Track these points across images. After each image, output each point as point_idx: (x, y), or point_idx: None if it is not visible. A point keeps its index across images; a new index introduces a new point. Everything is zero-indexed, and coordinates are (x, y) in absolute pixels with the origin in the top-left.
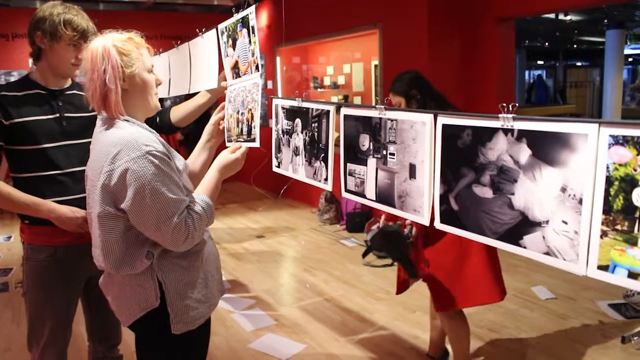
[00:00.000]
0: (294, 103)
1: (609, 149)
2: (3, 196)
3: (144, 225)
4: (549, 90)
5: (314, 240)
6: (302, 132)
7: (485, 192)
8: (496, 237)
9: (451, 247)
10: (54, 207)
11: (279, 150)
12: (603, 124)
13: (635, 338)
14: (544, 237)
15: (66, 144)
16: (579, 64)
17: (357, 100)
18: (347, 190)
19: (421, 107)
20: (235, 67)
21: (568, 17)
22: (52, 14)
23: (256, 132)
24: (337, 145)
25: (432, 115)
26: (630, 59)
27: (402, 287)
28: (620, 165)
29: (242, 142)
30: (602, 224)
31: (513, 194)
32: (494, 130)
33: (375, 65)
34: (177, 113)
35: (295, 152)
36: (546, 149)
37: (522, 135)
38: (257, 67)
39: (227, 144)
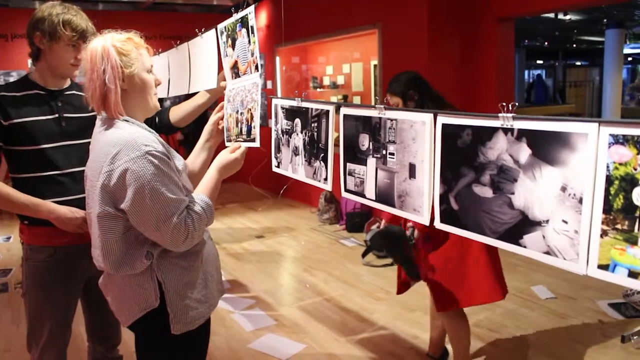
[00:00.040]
0: (294, 103)
1: (609, 148)
2: (2, 197)
3: (144, 225)
4: (549, 89)
5: (313, 240)
6: (301, 132)
7: (485, 192)
8: (496, 237)
9: (452, 247)
10: (53, 207)
11: (278, 150)
12: (603, 123)
13: (635, 337)
14: (544, 237)
15: (65, 145)
16: (578, 63)
17: (357, 100)
18: (346, 190)
19: (419, 107)
20: (235, 67)
21: (567, 17)
22: (51, 14)
23: (256, 132)
24: (336, 145)
25: (431, 115)
26: (629, 59)
27: (403, 287)
28: (620, 164)
29: (241, 141)
30: (602, 223)
31: (513, 193)
32: (494, 130)
33: (375, 65)
34: (177, 113)
35: (295, 152)
36: (546, 148)
37: (522, 134)
38: (256, 67)
39: (227, 144)
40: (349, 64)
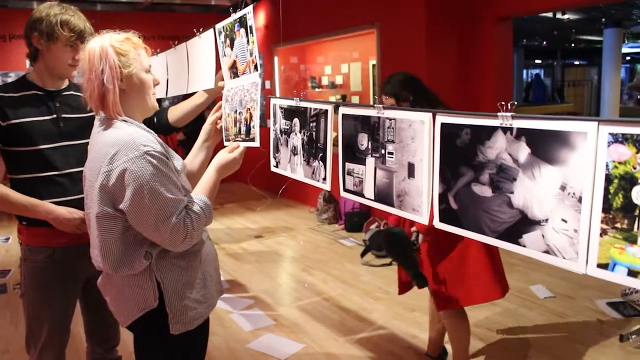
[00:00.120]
0: (292, 103)
1: (608, 147)
2: (0, 197)
3: (143, 225)
4: (547, 89)
5: (312, 240)
6: (300, 132)
7: (485, 191)
8: (495, 236)
9: (451, 246)
10: (51, 208)
11: (277, 150)
12: (602, 122)
13: (633, 336)
14: (543, 236)
15: (63, 145)
16: (576, 62)
17: (355, 99)
18: (345, 190)
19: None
20: (233, 67)
21: (566, 16)
22: (49, 15)
23: (255, 131)
24: (335, 144)
25: (430, 114)
26: (627, 58)
27: (404, 287)
28: (619, 163)
29: (240, 141)
30: (602, 222)
31: (512, 192)
32: (493, 129)
33: (373, 65)
34: (175, 113)
35: (294, 151)
36: (545, 147)
37: (521, 133)
38: (255, 67)
39: (225, 144)
40: (347, 63)
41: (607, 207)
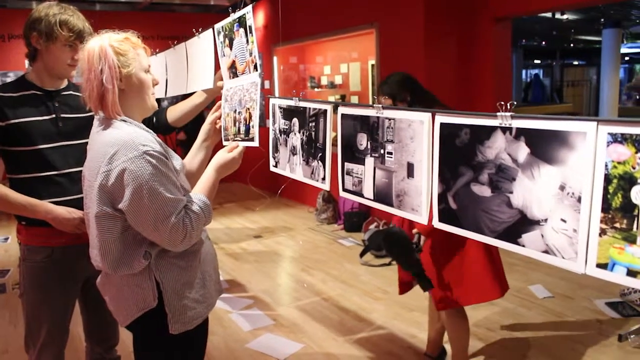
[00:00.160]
0: (291, 102)
1: (608, 147)
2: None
3: (142, 225)
4: (546, 89)
5: (311, 240)
6: (299, 132)
7: (484, 191)
8: (495, 236)
9: (451, 247)
10: (50, 208)
11: (276, 149)
12: (601, 122)
13: (632, 336)
14: (542, 236)
15: (62, 145)
16: (575, 62)
17: (354, 99)
18: (344, 190)
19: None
20: (233, 67)
21: (564, 16)
22: (48, 15)
23: (255, 131)
24: (334, 144)
25: (429, 114)
26: (626, 58)
27: (404, 288)
28: (618, 163)
29: (239, 141)
30: (601, 222)
31: (511, 192)
32: (492, 129)
33: (372, 65)
34: (174, 113)
35: (293, 151)
36: (544, 147)
37: (521, 133)
38: (255, 67)
39: (224, 143)
40: (346, 63)
41: (606, 206)
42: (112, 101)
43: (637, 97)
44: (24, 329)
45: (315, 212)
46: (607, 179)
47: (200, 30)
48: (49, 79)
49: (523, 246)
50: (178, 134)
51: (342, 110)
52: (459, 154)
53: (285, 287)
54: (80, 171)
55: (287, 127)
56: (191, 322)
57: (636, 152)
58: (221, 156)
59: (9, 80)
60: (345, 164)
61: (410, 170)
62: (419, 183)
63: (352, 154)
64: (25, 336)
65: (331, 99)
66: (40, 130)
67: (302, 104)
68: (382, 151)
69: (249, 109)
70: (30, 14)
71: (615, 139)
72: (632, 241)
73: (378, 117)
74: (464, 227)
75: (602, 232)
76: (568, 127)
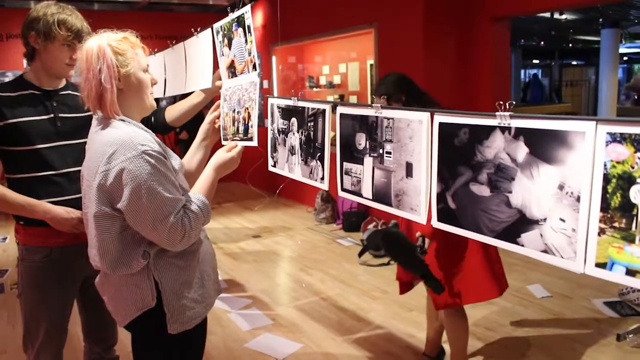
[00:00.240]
0: (290, 102)
1: (607, 146)
2: None
3: (141, 225)
4: (545, 89)
5: (310, 239)
6: (297, 132)
7: (483, 191)
8: (494, 236)
9: (448, 245)
10: (49, 207)
11: (274, 149)
12: (600, 122)
13: (630, 336)
14: (541, 235)
15: (61, 145)
16: (574, 62)
17: (353, 99)
18: (343, 190)
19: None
20: (231, 67)
21: (563, 16)
22: (46, 14)
23: (254, 131)
24: (333, 144)
25: (428, 114)
26: (625, 58)
27: (404, 287)
28: (617, 162)
29: (238, 140)
30: (600, 221)
31: (510, 192)
32: (491, 129)
33: (371, 65)
34: (172, 113)
35: (291, 151)
36: (543, 146)
37: (520, 133)
38: (254, 66)
39: (223, 143)
40: (345, 63)
41: (605, 206)
42: (110, 101)
43: (636, 97)
44: (22, 329)
45: (314, 211)
46: (606, 179)
47: (198, 29)
48: (47, 78)
49: (522, 246)
50: (180, 134)
51: (340, 110)
52: (457, 153)
53: (283, 287)
54: (79, 171)
55: (285, 127)
56: (190, 322)
57: (635, 152)
58: (220, 156)
59: (7, 80)
60: (344, 163)
61: (409, 169)
62: (418, 183)
63: (351, 153)
64: (24, 336)
65: (330, 98)
66: (39, 130)
67: (301, 103)
68: (380, 151)
69: (247, 108)
70: (28, 14)
71: (614, 138)
72: (631, 240)
73: (377, 117)
74: (463, 227)
75: (601, 231)
76: (567, 127)
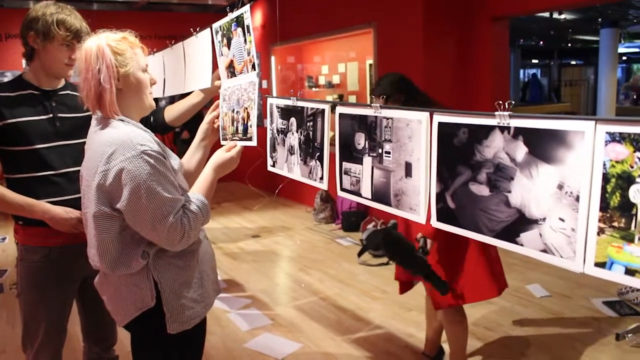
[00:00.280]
0: (289, 102)
1: (606, 146)
2: None
3: (140, 224)
4: (544, 88)
5: (309, 239)
6: (297, 131)
7: (482, 190)
8: (493, 235)
9: (447, 245)
10: (48, 207)
11: (273, 149)
12: (599, 121)
13: (629, 335)
14: (540, 235)
15: (60, 145)
16: (573, 62)
17: (352, 99)
18: (342, 189)
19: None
20: (231, 67)
21: (562, 16)
22: (45, 14)
23: (253, 130)
24: (332, 144)
25: (427, 114)
26: (624, 58)
27: (404, 287)
28: (616, 162)
29: (237, 140)
30: (599, 221)
31: (510, 191)
32: (490, 128)
33: (370, 65)
34: (171, 112)
35: (290, 151)
36: (543, 146)
37: (519, 132)
38: (253, 66)
39: (222, 143)
40: (344, 63)
41: (604, 205)
42: (109, 101)
43: (635, 96)
44: (21, 329)
45: (313, 211)
46: (605, 178)
47: (198, 29)
48: (46, 78)
49: (521, 245)
50: (182, 133)
51: (340, 109)
52: (457, 153)
53: (283, 287)
54: (78, 171)
55: (284, 127)
56: (189, 322)
57: (634, 151)
58: (219, 156)
59: (6, 80)
60: (343, 163)
61: (408, 169)
62: (417, 182)
63: (350, 153)
64: (23, 336)
65: (329, 98)
66: (38, 130)
67: (300, 103)
68: (380, 150)
69: (246, 108)
70: (28, 14)
71: (614, 138)
72: (630, 240)
73: (376, 117)
74: (462, 227)
75: (600, 231)
76: (566, 127)
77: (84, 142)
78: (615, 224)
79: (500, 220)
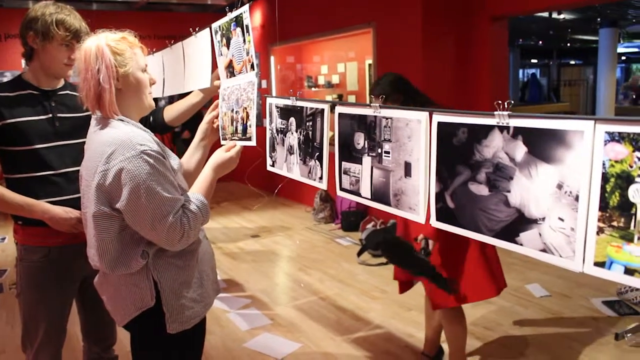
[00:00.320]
0: (288, 102)
1: (605, 145)
2: None
3: (140, 224)
4: (543, 88)
5: (308, 239)
6: (296, 131)
7: (481, 190)
8: (492, 235)
9: (446, 245)
10: (47, 207)
11: (273, 149)
12: (599, 121)
13: (628, 335)
14: (540, 234)
15: (59, 145)
16: (572, 62)
17: (352, 99)
18: (342, 189)
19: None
20: (230, 66)
21: (561, 16)
22: (45, 14)
23: (252, 130)
24: (331, 144)
25: (427, 113)
26: (623, 58)
27: (404, 287)
28: (616, 161)
29: (237, 140)
30: (599, 220)
31: (509, 191)
32: (490, 128)
33: (370, 65)
34: (171, 112)
35: (290, 151)
36: (542, 146)
37: (518, 132)
38: (252, 66)
39: (222, 143)
40: (343, 63)
41: (603, 205)
42: (109, 101)
43: (634, 96)
44: (21, 329)
45: (313, 211)
46: (605, 178)
47: (197, 29)
48: (46, 78)
49: (521, 245)
50: (182, 133)
51: (339, 109)
52: (456, 153)
53: (282, 287)
54: (77, 171)
55: (284, 127)
56: (189, 322)
57: (633, 151)
58: (219, 155)
59: (5, 80)
60: (343, 163)
61: (407, 169)
62: (417, 182)
63: (350, 153)
64: (23, 336)
65: (328, 98)
66: (37, 130)
67: (300, 103)
68: (379, 150)
69: (246, 108)
70: (27, 14)
71: (613, 137)
72: (630, 239)
73: (375, 117)
74: (462, 226)
75: (600, 230)
76: (565, 126)
77: (84, 142)
78: (615, 223)
79: (499, 220)
